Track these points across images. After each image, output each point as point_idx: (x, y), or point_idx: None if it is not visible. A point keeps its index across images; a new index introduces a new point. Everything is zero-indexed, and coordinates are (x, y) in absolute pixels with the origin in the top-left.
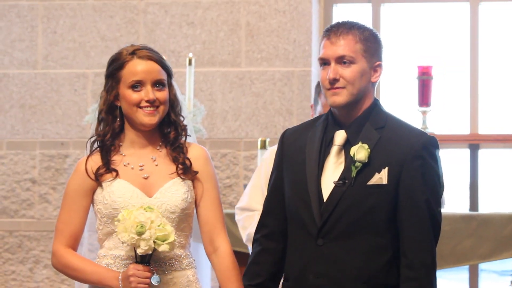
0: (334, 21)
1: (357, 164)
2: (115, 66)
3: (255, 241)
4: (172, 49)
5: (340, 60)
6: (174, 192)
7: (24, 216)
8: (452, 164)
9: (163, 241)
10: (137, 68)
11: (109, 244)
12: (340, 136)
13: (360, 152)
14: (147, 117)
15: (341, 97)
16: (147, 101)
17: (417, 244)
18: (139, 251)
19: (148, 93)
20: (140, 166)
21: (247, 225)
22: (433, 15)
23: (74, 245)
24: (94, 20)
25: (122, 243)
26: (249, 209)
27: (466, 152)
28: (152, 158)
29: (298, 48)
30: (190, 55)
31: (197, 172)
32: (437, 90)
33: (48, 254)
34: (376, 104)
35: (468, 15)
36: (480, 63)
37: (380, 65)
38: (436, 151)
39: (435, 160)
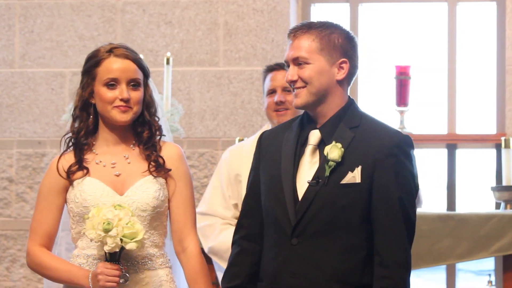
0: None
1: (331, 163)
2: (92, 63)
3: (233, 243)
4: (150, 48)
5: (296, 61)
6: (145, 190)
7: (1, 215)
8: (430, 164)
9: (132, 239)
10: (113, 66)
11: (82, 244)
12: (314, 135)
13: (334, 151)
14: (120, 115)
15: (300, 98)
16: (121, 100)
17: (391, 242)
18: (106, 248)
19: (122, 91)
20: (112, 163)
21: (209, 234)
22: (411, 15)
23: (48, 244)
24: (72, 19)
25: (91, 240)
26: (210, 213)
27: (444, 152)
28: (124, 156)
29: (276, 47)
30: (168, 54)
31: (169, 170)
32: (415, 90)
33: (25, 253)
34: (351, 103)
35: (446, 15)
36: (457, 63)
37: (345, 62)
38: (411, 150)
39: (409, 159)
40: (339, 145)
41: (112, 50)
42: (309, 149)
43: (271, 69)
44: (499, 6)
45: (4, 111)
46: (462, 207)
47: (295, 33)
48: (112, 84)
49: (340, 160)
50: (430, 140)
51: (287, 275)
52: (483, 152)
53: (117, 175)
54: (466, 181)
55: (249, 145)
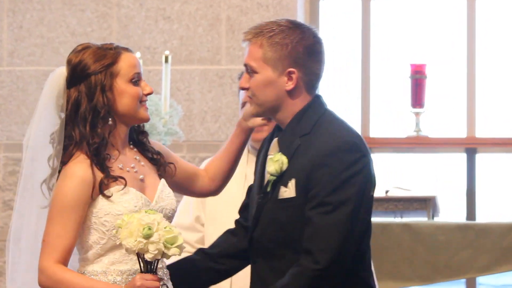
0: (321, 17)
1: (270, 177)
2: (107, 61)
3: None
4: (148, 45)
5: (247, 69)
6: (168, 194)
7: None
8: (448, 170)
9: (171, 244)
10: (134, 60)
11: (110, 259)
12: (273, 145)
13: (270, 164)
14: (146, 112)
15: (251, 107)
16: (146, 95)
17: (317, 242)
18: (148, 256)
19: (146, 86)
20: (132, 167)
21: None
22: (427, 11)
23: (66, 261)
24: (64, 14)
25: (126, 250)
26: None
27: (463, 156)
28: (136, 158)
29: None
30: (167, 52)
31: (175, 173)
32: (432, 90)
33: (11, 264)
34: (308, 107)
35: (464, 10)
36: (477, 62)
37: (293, 72)
38: (352, 156)
39: (347, 166)
40: (278, 157)
41: (117, 47)
42: (268, 159)
43: None
44: None
45: None
46: (483, 216)
47: (245, 37)
48: (137, 80)
49: (278, 173)
50: (448, 144)
51: None
52: (505, 156)
53: (142, 180)
54: (486, 188)
55: None
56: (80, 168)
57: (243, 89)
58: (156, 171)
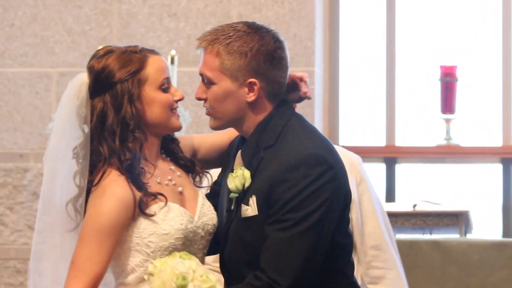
0: (341, 13)
1: (232, 194)
2: (134, 67)
3: None
4: (152, 45)
5: (202, 79)
6: (209, 208)
7: None
8: (482, 182)
9: None
10: (162, 64)
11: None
12: (237, 158)
13: (231, 181)
14: (179, 120)
15: (211, 122)
16: (177, 101)
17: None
18: None
19: (177, 91)
20: (169, 180)
21: None
22: (458, 6)
23: (95, 287)
24: (59, 11)
25: None
26: None
27: (498, 167)
28: (171, 169)
29: (299, 44)
30: (173, 52)
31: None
32: (463, 95)
33: (3, 286)
34: (272, 116)
35: (500, 6)
36: None
37: (254, 83)
38: (313, 170)
39: (308, 181)
40: (238, 172)
41: (143, 49)
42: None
43: None
44: None
45: None
46: None
47: (199, 44)
48: (167, 86)
49: (240, 189)
50: (481, 154)
51: None
52: None
53: (181, 192)
54: None
55: None
56: (119, 187)
57: (199, 99)
58: (191, 181)
